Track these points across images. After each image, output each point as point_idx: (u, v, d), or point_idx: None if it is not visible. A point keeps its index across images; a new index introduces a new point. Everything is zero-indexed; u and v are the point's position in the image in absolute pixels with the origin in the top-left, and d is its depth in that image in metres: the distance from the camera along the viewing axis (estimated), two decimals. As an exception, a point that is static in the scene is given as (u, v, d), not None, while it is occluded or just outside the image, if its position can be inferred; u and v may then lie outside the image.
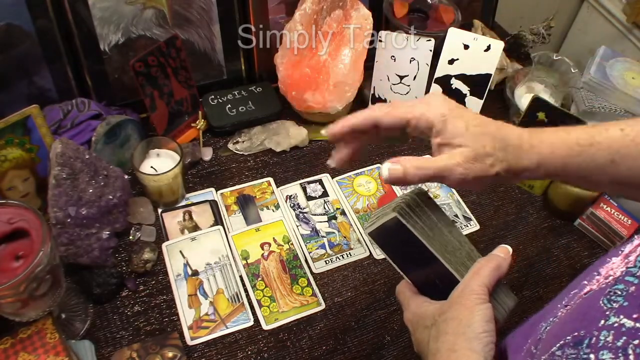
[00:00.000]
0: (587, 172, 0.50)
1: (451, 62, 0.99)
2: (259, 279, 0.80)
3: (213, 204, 0.88)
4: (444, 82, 1.01)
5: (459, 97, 1.02)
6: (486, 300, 0.47)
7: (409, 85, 1.02)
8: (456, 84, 1.01)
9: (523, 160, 0.50)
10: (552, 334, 0.40)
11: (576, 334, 0.36)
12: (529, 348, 0.43)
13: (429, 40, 0.97)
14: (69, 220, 0.72)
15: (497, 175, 0.50)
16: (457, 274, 0.51)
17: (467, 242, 0.54)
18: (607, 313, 0.35)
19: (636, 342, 0.31)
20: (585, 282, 0.42)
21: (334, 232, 0.87)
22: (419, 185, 0.54)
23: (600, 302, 0.36)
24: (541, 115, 0.88)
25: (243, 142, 0.97)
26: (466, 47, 0.98)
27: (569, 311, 0.41)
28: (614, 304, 0.35)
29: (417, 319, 0.53)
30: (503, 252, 0.52)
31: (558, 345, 0.37)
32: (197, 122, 0.96)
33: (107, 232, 0.78)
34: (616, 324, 0.33)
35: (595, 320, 0.35)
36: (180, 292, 0.78)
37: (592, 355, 0.33)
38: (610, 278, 0.38)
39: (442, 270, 0.51)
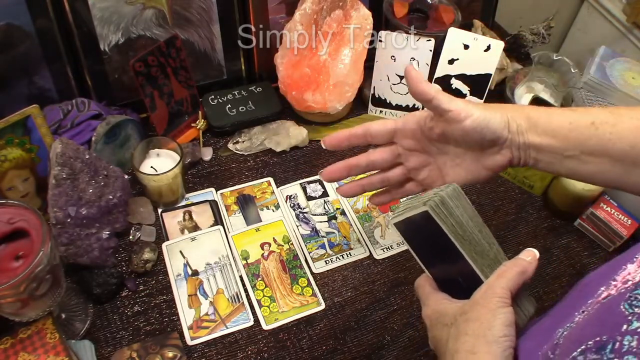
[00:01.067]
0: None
1: (451, 62, 0.99)
2: (259, 279, 0.80)
3: (213, 204, 0.88)
4: (444, 82, 1.01)
5: (459, 97, 1.02)
6: (508, 304, 0.47)
7: (409, 85, 1.02)
8: (456, 84, 1.01)
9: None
10: (570, 340, 0.40)
11: (598, 339, 0.35)
12: (545, 353, 0.43)
13: (429, 40, 0.97)
14: (69, 220, 0.72)
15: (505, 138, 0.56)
16: (482, 275, 0.50)
17: (496, 243, 0.53)
18: (630, 318, 0.35)
19: None
20: (603, 289, 0.42)
21: (334, 232, 0.87)
22: (453, 183, 0.54)
23: (621, 307, 0.36)
24: (541, 115, 0.88)
25: (243, 142, 0.97)
26: (466, 47, 0.98)
27: (587, 316, 0.41)
28: (636, 309, 0.35)
29: (436, 315, 0.52)
30: (530, 256, 0.51)
31: (579, 350, 0.37)
32: (197, 122, 0.96)
33: (107, 232, 0.78)
34: None
35: (617, 325, 0.35)
36: (180, 292, 0.78)
37: None
38: (630, 283, 0.38)
39: (468, 270, 0.50)
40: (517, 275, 0.49)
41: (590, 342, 0.36)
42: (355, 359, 0.74)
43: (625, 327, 0.34)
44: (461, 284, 0.51)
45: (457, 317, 0.49)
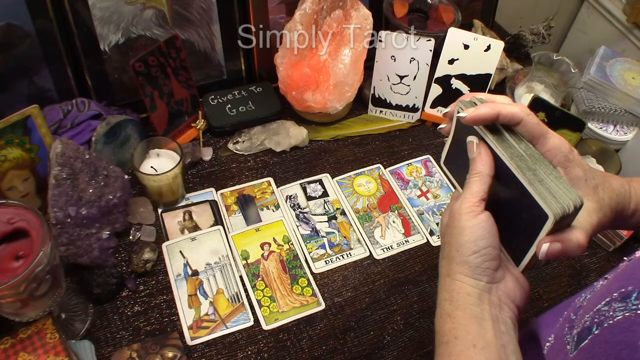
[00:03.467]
0: None
1: (451, 62, 1.00)
2: (259, 279, 0.80)
3: (213, 204, 0.88)
4: (444, 82, 1.01)
5: (458, 97, 1.02)
6: (477, 213, 0.44)
7: (409, 85, 1.02)
8: (456, 84, 1.01)
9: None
10: (595, 297, 0.41)
11: (623, 290, 0.37)
12: (567, 317, 0.44)
13: (429, 40, 0.97)
14: (69, 220, 0.72)
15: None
16: (528, 184, 0.43)
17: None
18: None
19: None
20: (625, 258, 0.43)
21: (334, 232, 0.87)
22: None
23: None
24: (541, 115, 0.88)
25: (243, 142, 0.97)
26: (466, 47, 0.98)
27: (613, 277, 0.42)
28: None
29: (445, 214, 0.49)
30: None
31: (604, 302, 0.38)
32: (197, 122, 0.96)
33: (107, 232, 0.78)
34: None
35: None
36: (180, 292, 0.78)
37: None
38: None
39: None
40: (484, 179, 0.45)
41: (615, 294, 0.37)
42: (355, 359, 0.74)
43: None
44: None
45: (443, 230, 0.48)
